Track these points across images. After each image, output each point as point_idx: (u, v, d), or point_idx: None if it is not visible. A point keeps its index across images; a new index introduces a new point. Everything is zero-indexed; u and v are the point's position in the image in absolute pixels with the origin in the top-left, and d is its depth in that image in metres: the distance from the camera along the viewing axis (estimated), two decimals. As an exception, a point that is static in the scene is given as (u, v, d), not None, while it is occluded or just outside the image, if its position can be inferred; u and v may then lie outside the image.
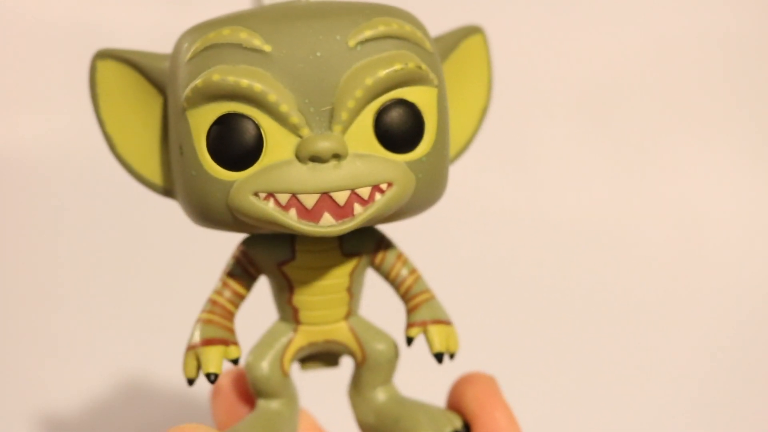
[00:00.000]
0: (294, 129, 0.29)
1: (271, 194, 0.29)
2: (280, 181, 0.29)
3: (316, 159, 0.29)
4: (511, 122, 0.71)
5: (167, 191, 0.33)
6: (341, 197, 0.29)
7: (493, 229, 0.68)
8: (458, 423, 0.33)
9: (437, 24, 0.34)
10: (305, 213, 0.29)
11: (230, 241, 0.34)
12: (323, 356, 0.36)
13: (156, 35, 0.30)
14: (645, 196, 0.72)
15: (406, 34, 0.30)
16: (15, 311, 0.62)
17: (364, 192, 0.29)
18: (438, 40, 0.34)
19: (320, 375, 0.37)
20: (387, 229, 0.34)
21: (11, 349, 0.59)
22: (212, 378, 0.31)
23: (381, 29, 0.29)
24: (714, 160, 0.74)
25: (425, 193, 0.31)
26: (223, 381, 0.35)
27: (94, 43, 0.35)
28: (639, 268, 0.68)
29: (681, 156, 0.74)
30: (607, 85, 0.75)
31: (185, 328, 0.33)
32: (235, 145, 0.29)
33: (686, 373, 0.59)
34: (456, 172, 0.35)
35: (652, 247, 0.70)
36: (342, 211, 0.29)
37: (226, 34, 0.29)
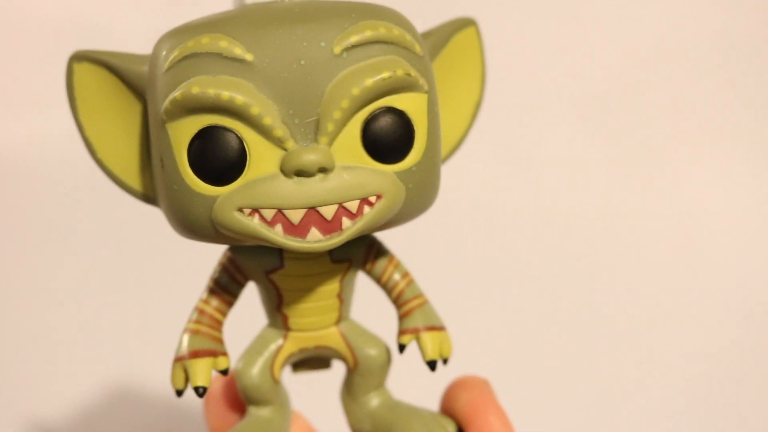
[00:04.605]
0: (278, 142, 0.28)
1: (256, 210, 0.28)
2: (265, 196, 0.28)
3: (301, 173, 0.28)
4: (513, 121, 0.70)
5: (149, 198, 0.32)
6: (328, 212, 0.28)
7: (492, 229, 0.67)
8: (452, 428, 0.33)
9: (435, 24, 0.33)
10: (291, 228, 0.28)
11: (219, 246, 0.33)
12: (315, 360, 0.35)
13: (156, 35, 0.29)
14: (646, 195, 0.71)
15: (394, 38, 0.28)
16: (9, 314, 0.62)
17: (352, 205, 0.28)
18: (427, 35, 0.32)
19: (314, 377, 0.36)
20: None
21: (6, 351, 0.59)
22: (200, 391, 0.31)
23: (368, 34, 0.28)
24: (715, 159, 0.73)
25: (416, 202, 0.30)
26: (215, 387, 0.35)
27: (95, 43, 0.34)
28: (641, 268, 0.67)
29: (682, 155, 0.73)
30: (608, 83, 0.74)
31: (177, 331, 0.33)
32: (218, 160, 0.28)
33: (686, 372, 0.58)
34: (459, 172, 0.33)
35: (654, 246, 0.69)
36: (329, 226, 0.28)
37: (206, 42, 0.28)
